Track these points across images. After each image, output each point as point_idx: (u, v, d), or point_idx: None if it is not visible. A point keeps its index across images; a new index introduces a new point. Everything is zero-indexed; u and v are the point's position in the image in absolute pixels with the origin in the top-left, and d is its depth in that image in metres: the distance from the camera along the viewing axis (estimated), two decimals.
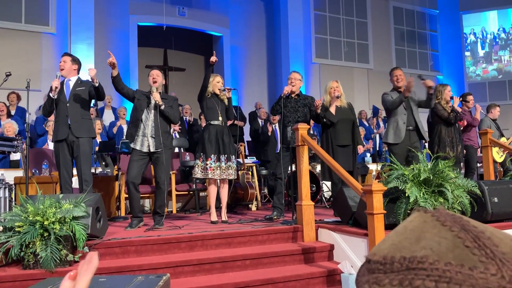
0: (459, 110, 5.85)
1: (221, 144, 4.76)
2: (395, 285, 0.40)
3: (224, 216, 4.81)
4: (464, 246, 0.41)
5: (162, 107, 4.51)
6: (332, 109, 5.15)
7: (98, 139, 6.83)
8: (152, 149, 4.48)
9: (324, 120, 5.10)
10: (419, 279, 0.39)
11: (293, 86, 5.06)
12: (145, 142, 4.49)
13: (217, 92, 4.91)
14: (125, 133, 5.68)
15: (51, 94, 4.41)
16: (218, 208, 5.01)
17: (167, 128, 4.61)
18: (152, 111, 4.54)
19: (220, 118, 4.85)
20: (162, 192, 4.50)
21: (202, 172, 4.74)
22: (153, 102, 4.55)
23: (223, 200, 4.90)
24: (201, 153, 4.75)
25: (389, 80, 5.36)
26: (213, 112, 4.84)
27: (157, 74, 4.62)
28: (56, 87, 4.37)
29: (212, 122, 4.82)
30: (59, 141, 4.45)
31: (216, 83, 4.92)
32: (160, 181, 4.48)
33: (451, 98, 5.86)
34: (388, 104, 5.10)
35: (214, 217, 4.79)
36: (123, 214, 5.76)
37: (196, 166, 4.78)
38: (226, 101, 4.93)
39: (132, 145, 4.54)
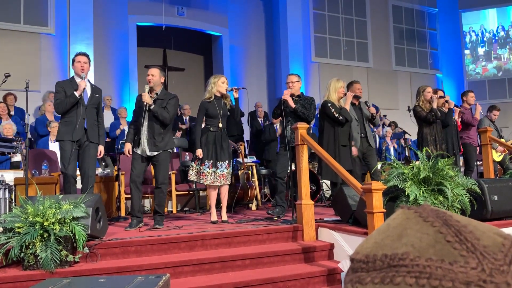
0: (443, 107, 5.95)
1: (219, 150, 4.71)
2: (377, 283, 0.40)
3: (224, 216, 4.81)
4: (445, 241, 0.40)
5: (152, 107, 4.45)
6: (348, 108, 5.36)
7: (108, 139, 6.83)
8: (148, 153, 4.47)
9: (340, 118, 5.22)
10: (400, 276, 0.39)
11: (292, 88, 5.06)
12: (141, 146, 4.49)
13: (224, 92, 4.84)
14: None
15: (76, 94, 4.42)
16: (218, 208, 5.01)
17: (161, 130, 4.50)
18: (146, 113, 4.51)
19: (220, 125, 4.76)
20: (161, 192, 4.50)
21: (196, 175, 4.74)
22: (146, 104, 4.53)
23: (223, 202, 4.89)
24: (197, 157, 4.74)
25: (350, 90, 5.65)
26: (213, 119, 4.78)
27: (152, 73, 4.56)
28: (84, 88, 4.46)
29: (211, 129, 4.76)
30: (71, 140, 4.44)
31: (221, 84, 4.83)
32: (158, 181, 4.48)
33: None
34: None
35: (214, 217, 4.78)
36: (123, 214, 5.76)
37: (191, 168, 4.78)
38: (228, 105, 4.86)
39: (134, 149, 4.56)
